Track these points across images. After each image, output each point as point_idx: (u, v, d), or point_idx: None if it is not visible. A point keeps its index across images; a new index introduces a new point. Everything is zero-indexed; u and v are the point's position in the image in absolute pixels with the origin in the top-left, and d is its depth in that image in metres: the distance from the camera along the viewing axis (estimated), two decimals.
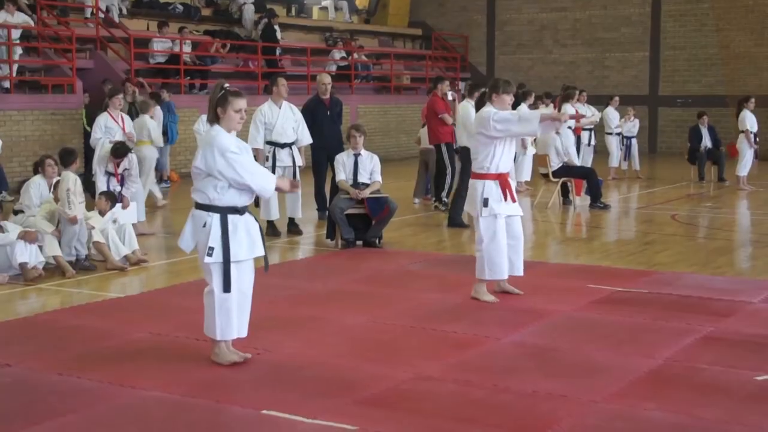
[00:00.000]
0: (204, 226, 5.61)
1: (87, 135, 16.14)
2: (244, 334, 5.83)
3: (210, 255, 5.58)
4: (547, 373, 5.62)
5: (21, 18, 16.35)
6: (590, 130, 16.54)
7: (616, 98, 18.42)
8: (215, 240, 5.58)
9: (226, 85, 5.69)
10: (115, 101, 11.38)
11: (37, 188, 9.37)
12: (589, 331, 6.65)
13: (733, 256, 10.06)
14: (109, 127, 11.10)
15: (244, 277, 5.73)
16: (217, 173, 5.55)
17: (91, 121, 15.74)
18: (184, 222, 5.81)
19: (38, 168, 9.52)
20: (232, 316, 5.70)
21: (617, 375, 5.57)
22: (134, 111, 15.22)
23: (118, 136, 11.05)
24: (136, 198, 10.90)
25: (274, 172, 10.81)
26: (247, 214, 5.74)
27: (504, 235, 7.41)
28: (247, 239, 5.69)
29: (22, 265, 8.44)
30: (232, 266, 5.61)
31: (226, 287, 5.64)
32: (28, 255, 8.49)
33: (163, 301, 7.68)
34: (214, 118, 5.66)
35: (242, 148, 5.69)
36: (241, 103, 5.63)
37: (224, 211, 5.61)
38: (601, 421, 4.83)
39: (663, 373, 5.64)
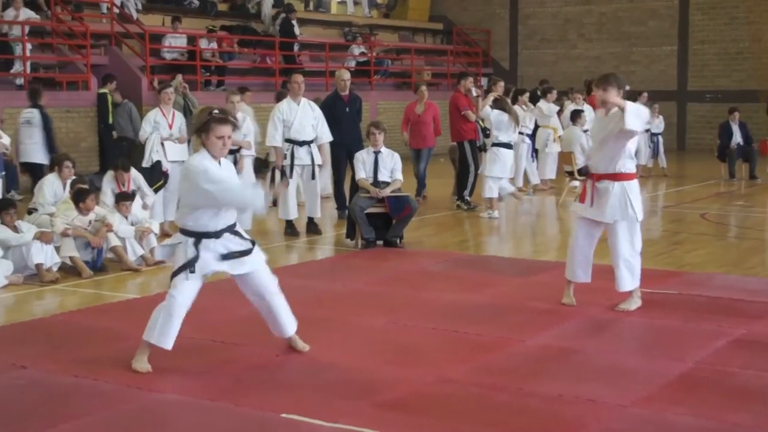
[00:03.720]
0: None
1: (107, 128, 16.15)
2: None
3: None
4: (574, 376, 5.52)
5: (26, 14, 16.34)
6: None
7: (645, 94, 18.17)
8: None
9: (215, 111, 5.66)
10: (164, 96, 11.15)
11: (50, 186, 9.31)
12: (617, 333, 6.56)
13: (765, 256, 9.94)
14: (157, 122, 10.97)
15: None
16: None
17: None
18: None
19: (53, 165, 9.48)
20: None
21: (646, 378, 5.47)
22: (187, 108, 15.12)
23: (165, 133, 10.90)
24: (168, 201, 10.85)
25: (292, 170, 10.74)
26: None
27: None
28: None
29: (38, 266, 8.39)
30: None
31: None
32: (44, 256, 8.45)
33: None
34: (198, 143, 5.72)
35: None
36: (225, 129, 5.60)
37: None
38: (630, 426, 4.75)
39: (693, 376, 5.53)
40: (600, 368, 5.68)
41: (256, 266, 5.74)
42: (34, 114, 13.14)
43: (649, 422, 4.78)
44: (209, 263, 5.60)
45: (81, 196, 8.90)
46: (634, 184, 7.00)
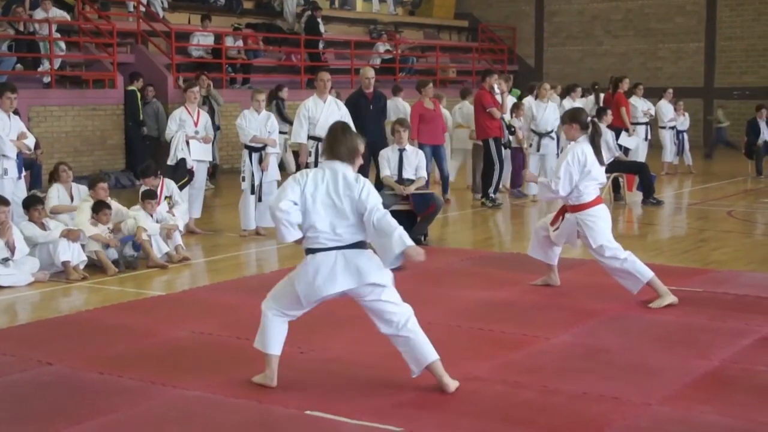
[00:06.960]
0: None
1: (136, 125, 16.20)
2: None
3: None
4: (599, 374, 5.49)
5: (56, 13, 16.42)
6: (646, 124, 16.30)
7: (670, 91, 18.05)
8: None
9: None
10: (190, 95, 11.15)
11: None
12: (642, 331, 6.49)
13: None
14: (183, 120, 11.00)
15: None
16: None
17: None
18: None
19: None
20: None
21: (671, 377, 5.43)
22: (209, 104, 15.15)
23: (190, 131, 10.93)
24: (193, 198, 10.88)
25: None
26: None
27: None
28: None
29: (65, 264, 8.44)
30: None
31: None
32: (71, 254, 8.49)
33: (205, 299, 7.63)
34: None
35: None
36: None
37: None
38: (655, 424, 4.71)
39: (719, 375, 5.49)
40: (625, 366, 5.64)
41: None
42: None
43: (674, 420, 4.74)
44: None
45: (96, 209, 8.93)
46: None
